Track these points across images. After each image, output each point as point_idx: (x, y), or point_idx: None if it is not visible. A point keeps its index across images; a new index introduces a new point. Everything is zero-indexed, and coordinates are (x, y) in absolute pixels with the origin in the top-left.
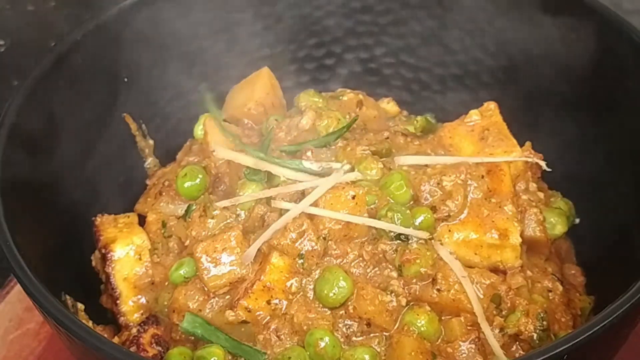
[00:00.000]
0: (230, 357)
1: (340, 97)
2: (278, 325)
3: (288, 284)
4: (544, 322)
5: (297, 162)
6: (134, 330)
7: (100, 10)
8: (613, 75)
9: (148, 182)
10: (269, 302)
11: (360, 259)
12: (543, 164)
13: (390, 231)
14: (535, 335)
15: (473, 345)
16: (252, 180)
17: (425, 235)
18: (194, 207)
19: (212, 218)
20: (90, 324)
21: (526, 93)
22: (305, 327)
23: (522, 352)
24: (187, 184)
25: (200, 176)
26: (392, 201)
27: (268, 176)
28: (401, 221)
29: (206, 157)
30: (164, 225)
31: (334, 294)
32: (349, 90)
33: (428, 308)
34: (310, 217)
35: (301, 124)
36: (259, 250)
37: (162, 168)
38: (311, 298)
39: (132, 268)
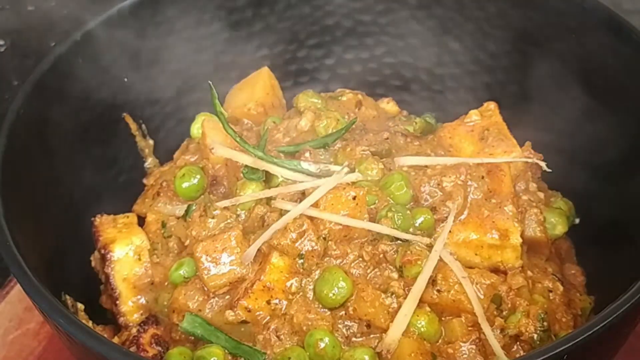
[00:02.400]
0: (230, 357)
1: (340, 98)
2: (278, 325)
3: (288, 284)
4: (545, 323)
5: (295, 163)
6: (134, 330)
7: (100, 10)
8: (613, 75)
9: (145, 181)
10: (269, 302)
11: (360, 259)
12: (543, 164)
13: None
14: (536, 336)
15: (474, 346)
16: (250, 179)
17: (426, 241)
18: (194, 207)
19: (213, 218)
20: (90, 324)
21: (526, 93)
22: (305, 328)
23: (522, 353)
24: (185, 185)
25: (198, 176)
26: (392, 202)
27: (267, 177)
28: (401, 222)
29: (204, 157)
30: (163, 225)
31: (334, 294)
32: (348, 91)
33: (428, 309)
34: (311, 217)
35: (300, 125)
36: (259, 250)
37: (160, 167)
38: (311, 298)
39: (132, 268)
